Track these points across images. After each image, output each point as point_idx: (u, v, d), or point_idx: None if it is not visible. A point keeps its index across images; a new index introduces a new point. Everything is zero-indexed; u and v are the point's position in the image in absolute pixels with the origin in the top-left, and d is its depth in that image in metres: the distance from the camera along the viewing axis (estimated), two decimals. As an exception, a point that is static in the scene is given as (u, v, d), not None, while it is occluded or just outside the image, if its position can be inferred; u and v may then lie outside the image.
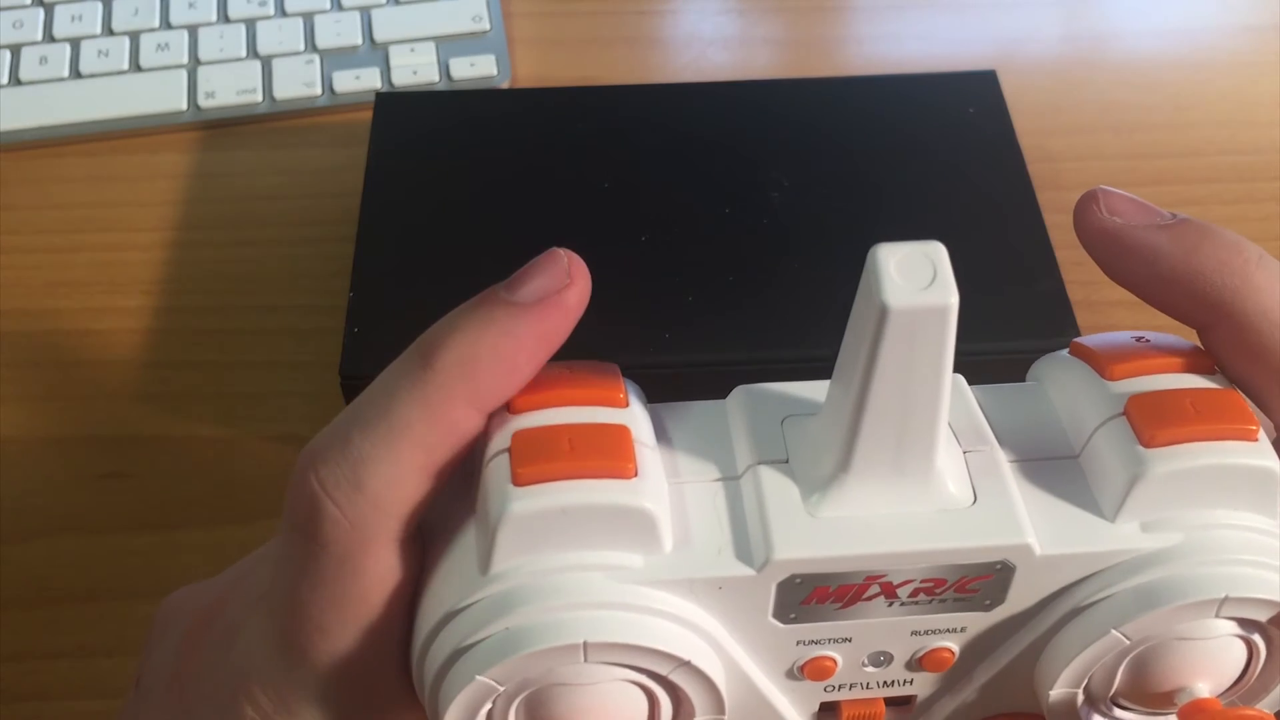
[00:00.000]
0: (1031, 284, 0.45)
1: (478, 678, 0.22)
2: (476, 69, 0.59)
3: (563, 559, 0.22)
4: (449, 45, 0.60)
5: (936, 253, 0.21)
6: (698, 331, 0.44)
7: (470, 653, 0.22)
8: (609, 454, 0.22)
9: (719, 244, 0.47)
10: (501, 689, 0.23)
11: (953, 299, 0.20)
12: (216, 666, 0.26)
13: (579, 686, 0.23)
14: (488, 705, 0.23)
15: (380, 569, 0.23)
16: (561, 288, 0.24)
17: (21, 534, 0.45)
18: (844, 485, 0.23)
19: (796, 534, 0.22)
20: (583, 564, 0.22)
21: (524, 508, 0.22)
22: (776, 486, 0.23)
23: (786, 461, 0.23)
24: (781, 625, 0.23)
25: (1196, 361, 0.24)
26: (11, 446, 0.47)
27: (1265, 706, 0.26)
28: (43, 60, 0.59)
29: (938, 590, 0.23)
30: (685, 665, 0.22)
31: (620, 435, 0.23)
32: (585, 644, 0.22)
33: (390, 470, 0.23)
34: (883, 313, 0.20)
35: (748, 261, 0.46)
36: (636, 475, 0.22)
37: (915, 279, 0.20)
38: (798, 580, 0.22)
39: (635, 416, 0.24)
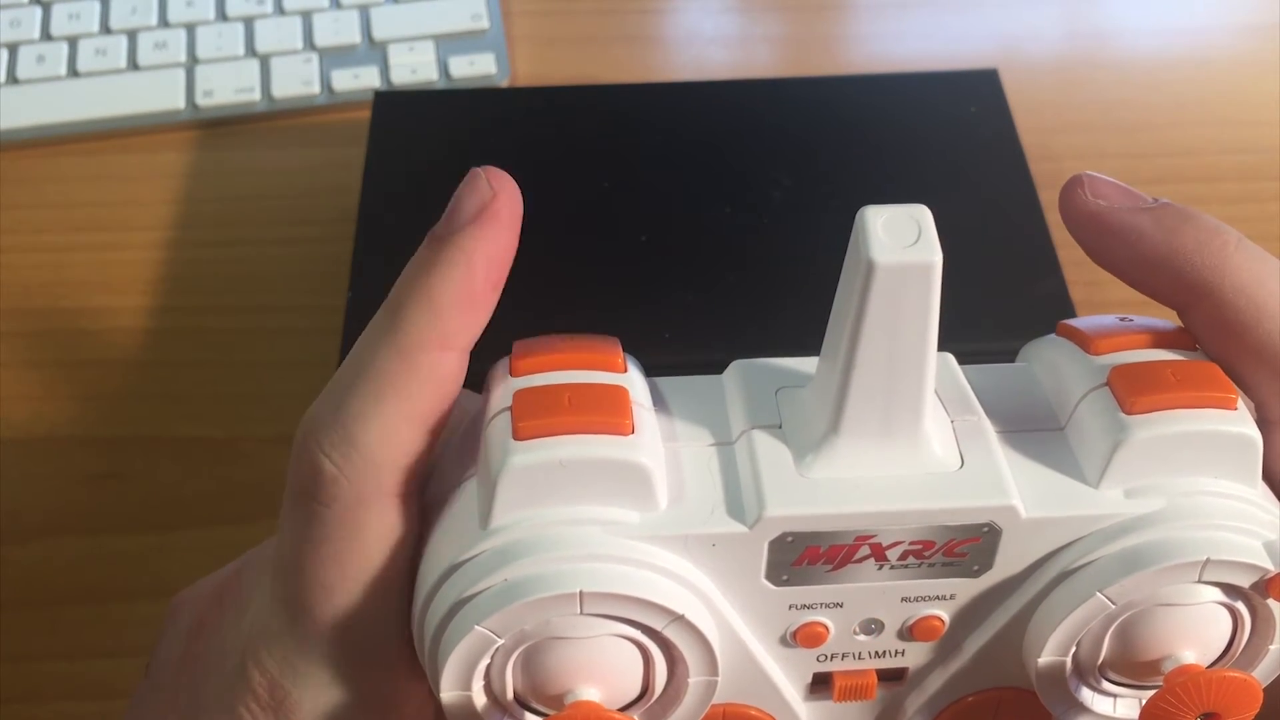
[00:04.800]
0: (1033, 283, 0.45)
1: (476, 627, 0.22)
2: (476, 68, 0.59)
3: (560, 513, 0.23)
4: (448, 44, 0.60)
5: (922, 214, 0.21)
6: (698, 331, 0.44)
7: (470, 604, 0.23)
8: (607, 411, 0.23)
9: (719, 244, 0.47)
10: (500, 641, 0.23)
11: (936, 257, 0.21)
12: (227, 636, 0.27)
13: (575, 640, 0.23)
14: (486, 660, 0.23)
15: (381, 525, 0.24)
16: (488, 201, 0.25)
17: (20, 534, 0.44)
18: (834, 446, 0.23)
19: (788, 492, 0.23)
20: (580, 518, 0.23)
21: (523, 460, 0.22)
22: (769, 449, 0.24)
23: (779, 427, 0.24)
24: (774, 587, 0.24)
25: (1177, 338, 0.25)
26: (11, 446, 0.47)
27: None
28: (40, 59, 0.59)
29: (927, 553, 0.24)
30: (679, 619, 0.23)
31: (618, 395, 0.23)
32: (581, 593, 0.22)
33: (380, 424, 0.23)
34: (869, 269, 0.21)
35: (748, 261, 0.46)
36: (633, 432, 0.23)
37: (901, 238, 0.21)
38: (789, 539, 0.23)
39: (633, 380, 0.24)
